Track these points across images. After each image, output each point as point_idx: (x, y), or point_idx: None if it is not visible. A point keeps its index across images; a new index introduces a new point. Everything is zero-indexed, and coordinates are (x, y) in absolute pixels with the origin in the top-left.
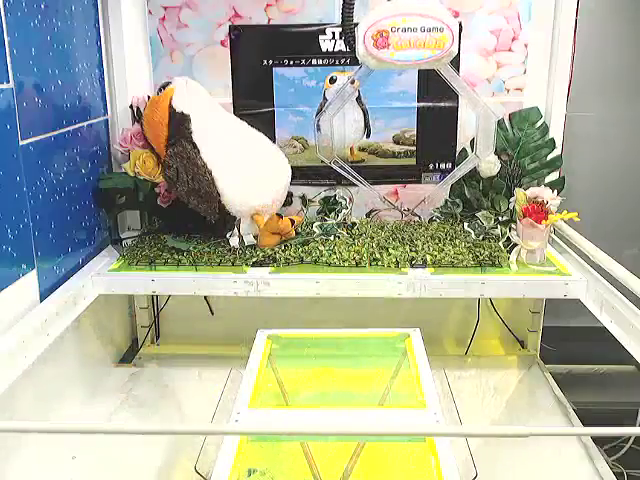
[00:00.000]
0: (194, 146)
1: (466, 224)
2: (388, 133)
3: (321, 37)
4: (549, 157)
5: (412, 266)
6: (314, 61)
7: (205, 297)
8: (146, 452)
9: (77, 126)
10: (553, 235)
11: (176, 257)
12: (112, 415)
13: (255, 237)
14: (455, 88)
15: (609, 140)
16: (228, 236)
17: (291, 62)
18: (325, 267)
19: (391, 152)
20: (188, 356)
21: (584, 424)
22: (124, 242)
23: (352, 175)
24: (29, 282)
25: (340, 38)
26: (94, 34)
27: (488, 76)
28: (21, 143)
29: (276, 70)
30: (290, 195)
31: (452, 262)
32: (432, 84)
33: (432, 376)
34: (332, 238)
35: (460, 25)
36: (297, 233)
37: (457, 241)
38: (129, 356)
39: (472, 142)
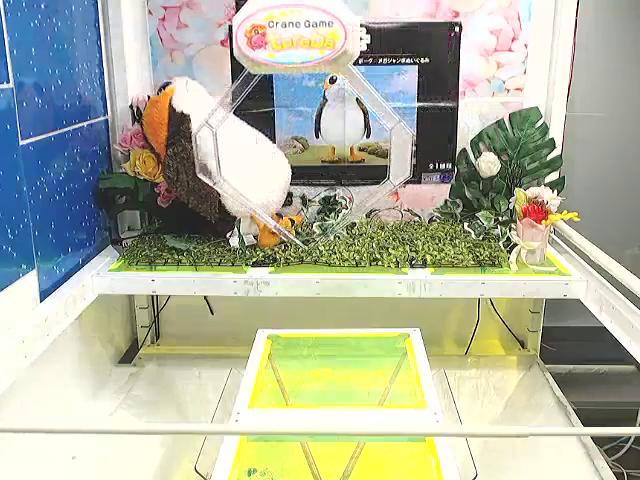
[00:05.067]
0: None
1: (466, 224)
2: (388, 133)
3: None
4: (549, 157)
5: (412, 266)
6: None
7: (205, 297)
8: (146, 452)
9: (77, 126)
10: (553, 235)
11: (176, 257)
12: (112, 415)
13: (255, 237)
14: (363, 99)
15: (609, 140)
16: (228, 236)
17: None
18: (325, 267)
19: None
20: (188, 356)
21: (584, 424)
22: (124, 242)
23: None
24: (29, 282)
25: None
26: (94, 34)
27: (488, 76)
28: (21, 143)
29: None
30: (290, 195)
31: (452, 262)
32: (432, 84)
33: (432, 376)
34: (332, 238)
35: (460, 25)
36: (297, 233)
37: (457, 241)
38: (129, 356)
39: (472, 142)
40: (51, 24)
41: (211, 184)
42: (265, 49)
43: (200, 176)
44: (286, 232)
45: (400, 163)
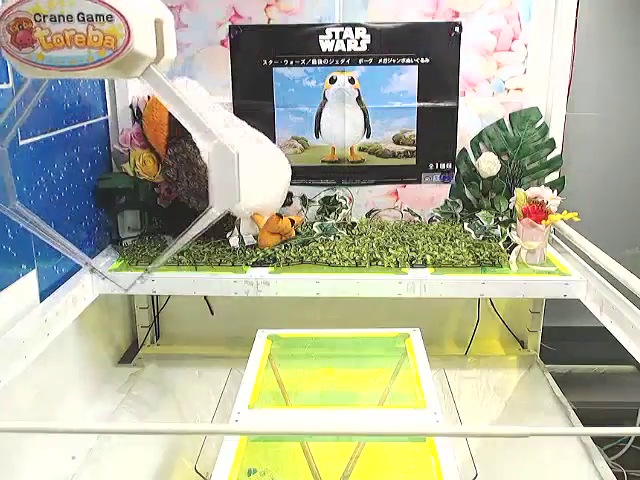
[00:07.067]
0: (194, 146)
1: (466, 224)
2: (388, 133)
3: (321, 37)
4: (549, 157)
5: (412, 266)
6: (314, 61)
7: (205, 297)
8: (146, 452)
9: (77, 126)
10: (553, 235)
11: (176, 257)
12: (112, 415)
13: (255, 237)
14: (174, 112)
15: (609, 140)
16: (228, 236)
17: (291, 62)
18: (325, 267)
19: (391, 152)
20: (188, 356)
21: (584, 424)
22: (124, 242)
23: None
24: (29, 282)
25: (340, 38)
26: None
27: (488, 76)
28: (21, 143)
29: (276, 70)
30: (290, 195)
31: (452, 262)
32: (432, 84)
33: (432, 376)
34: (332, 238)
35: (460, 25)
36: (297, 233)
37: (457, 241)
38: (129, 356)
39: (472, 142)
40: None
41: (4, 211)
42: (33, 48)
43: None
44: (106, 274)
45: (223, 188)
